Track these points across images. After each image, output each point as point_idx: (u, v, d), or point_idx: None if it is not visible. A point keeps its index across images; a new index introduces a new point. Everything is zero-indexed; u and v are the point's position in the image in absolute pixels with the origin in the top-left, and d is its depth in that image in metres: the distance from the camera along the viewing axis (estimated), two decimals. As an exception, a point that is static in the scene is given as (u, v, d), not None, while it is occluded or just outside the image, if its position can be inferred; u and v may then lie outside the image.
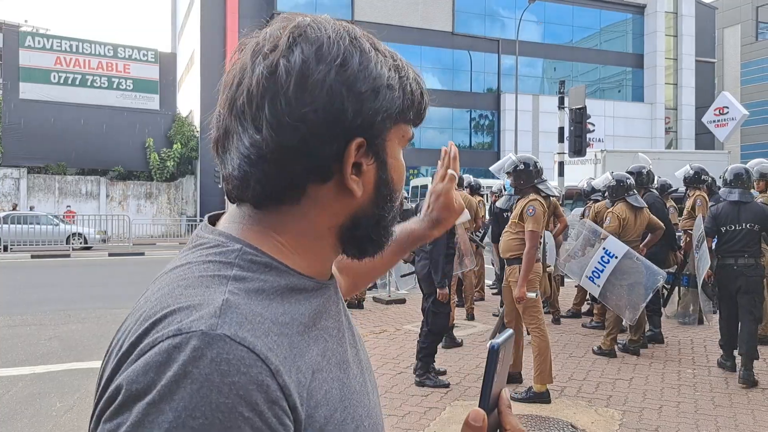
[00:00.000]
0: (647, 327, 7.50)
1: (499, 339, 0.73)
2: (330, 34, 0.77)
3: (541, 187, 5.90)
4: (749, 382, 5.85)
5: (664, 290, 8.71)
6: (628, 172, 7.57)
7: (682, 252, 8.22)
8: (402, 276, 9.31)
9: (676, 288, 8.74)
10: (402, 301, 10.42)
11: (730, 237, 6.21)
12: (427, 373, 5.94)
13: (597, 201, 8.92)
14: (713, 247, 6.42)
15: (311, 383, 0.71)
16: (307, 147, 0.75)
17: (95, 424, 0.65)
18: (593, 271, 6.70)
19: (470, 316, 9.10)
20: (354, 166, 0.78)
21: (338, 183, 0.78)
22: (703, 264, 6.67)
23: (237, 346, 0.63)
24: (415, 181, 28.05)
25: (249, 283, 0.72)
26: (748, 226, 6.15)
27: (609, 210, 7.29)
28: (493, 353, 0.71)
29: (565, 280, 10.39)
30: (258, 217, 0.80)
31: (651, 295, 6.57)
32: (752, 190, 6.91)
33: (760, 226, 6.16)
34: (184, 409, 0.59)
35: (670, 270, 8.19)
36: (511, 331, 0.79)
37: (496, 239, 7.77)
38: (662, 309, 8.54)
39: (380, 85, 0.78)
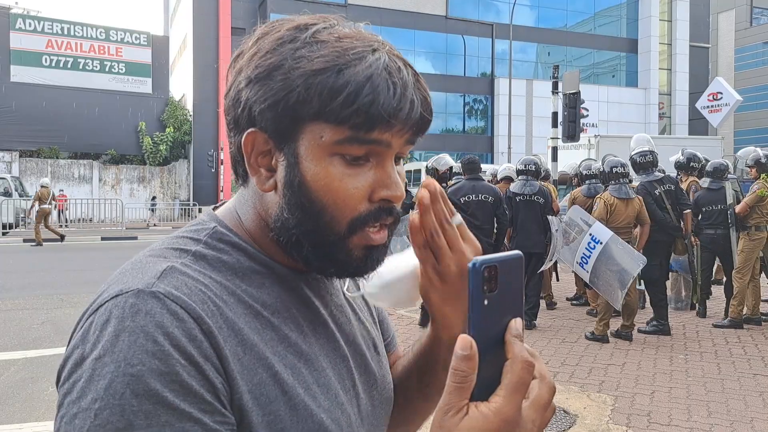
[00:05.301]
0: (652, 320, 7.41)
1: (487, 257, 0.62)
2: (267, 30, 0.79)
3: None
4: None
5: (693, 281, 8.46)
6: (636, 154, 7.66)
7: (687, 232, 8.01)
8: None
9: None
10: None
11: (710, 215, 8.01)
12: None
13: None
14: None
15: (258, 361, 0.73)
16: (231, 134, 0.81)
17: (57, 384, 0.69)
18: (582, 257, 6.72)
19: None
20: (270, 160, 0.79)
21: None
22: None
23: (171, 303, 0.67)
24: (408, 166, 27.95)
25: (207, 261, 0.77)
26: (720, 207, 7.97)
27: (598, 196, 7.34)
28: (472, 273, 0.60)
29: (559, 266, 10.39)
30: (236, 199, 0.86)
31: (632, 279, 6.53)
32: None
33: (723, 206, 8.04)
34: (123, 359, 0.63)
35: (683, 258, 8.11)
36: (518, 252, 0.66)
37: (511, 224, 7.69)
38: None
39: (260, 75, 0.75)
